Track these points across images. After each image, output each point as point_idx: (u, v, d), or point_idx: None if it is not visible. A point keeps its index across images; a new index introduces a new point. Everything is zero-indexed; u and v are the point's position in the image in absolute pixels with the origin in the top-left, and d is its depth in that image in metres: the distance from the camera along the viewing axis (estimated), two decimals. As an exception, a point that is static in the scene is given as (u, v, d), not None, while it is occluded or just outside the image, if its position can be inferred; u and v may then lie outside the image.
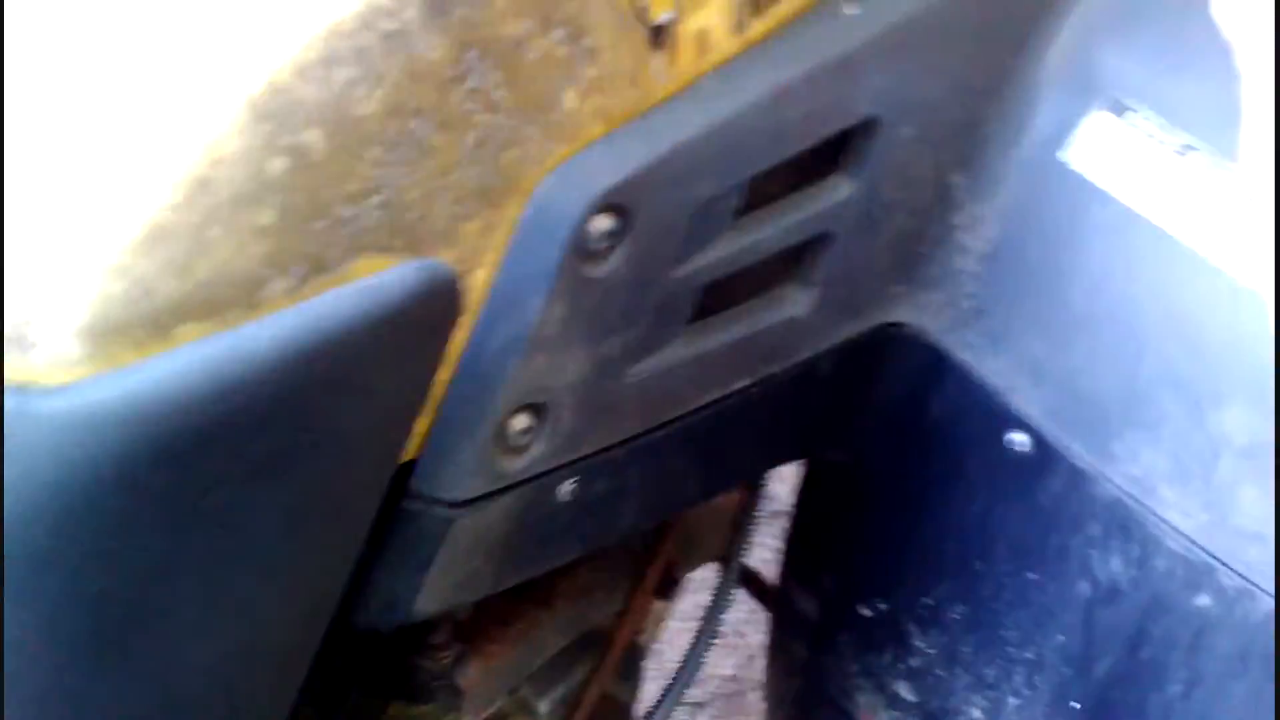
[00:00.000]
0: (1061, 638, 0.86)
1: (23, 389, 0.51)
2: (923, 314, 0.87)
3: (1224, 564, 0.77)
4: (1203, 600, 0.78)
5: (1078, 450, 0.81)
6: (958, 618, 0.93)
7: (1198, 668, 0.80)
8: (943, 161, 0.81)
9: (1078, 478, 0.81)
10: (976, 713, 0.95)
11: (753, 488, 1.02)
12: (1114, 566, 0.81)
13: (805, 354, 0.82)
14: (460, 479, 0.64)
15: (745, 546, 0.96)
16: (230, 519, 0.55)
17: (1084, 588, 0.83)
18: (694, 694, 1.91)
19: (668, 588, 1.11)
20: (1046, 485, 0.83)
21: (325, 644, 0.78)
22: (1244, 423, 0.76)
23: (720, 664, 1.98)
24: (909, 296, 0.86)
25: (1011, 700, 0.92)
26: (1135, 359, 0.79)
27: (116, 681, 0.55)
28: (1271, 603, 0.76)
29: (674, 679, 0.94)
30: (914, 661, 0.98)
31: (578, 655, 1.06)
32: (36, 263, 0.52)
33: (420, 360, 0.58)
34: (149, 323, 0.52)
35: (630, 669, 1.13)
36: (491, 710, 1.01)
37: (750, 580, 1.31)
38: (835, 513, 1.02)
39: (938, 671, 0.97)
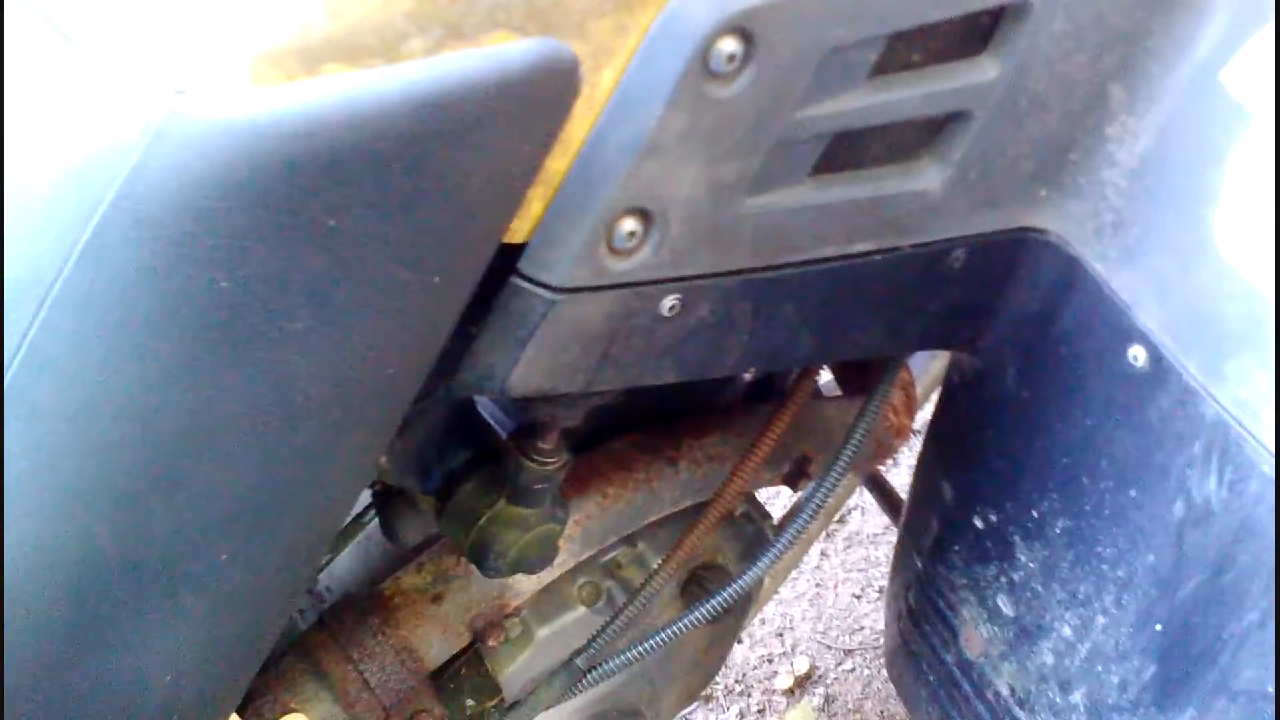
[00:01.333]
0: (1152, 557, 0.87)
1: (183, 93, 0.59)
2: (1065, 222, 0.88)
3: (1316, 492, 0.77)
4: (1289, 528, 0.78)
5: (1192, 368, 0.82)
6: (1060, 532, 0.95)
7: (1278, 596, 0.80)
8: (1101, 67, 0.82)
9: (1188, 396, 0.82)
10: (1066, 630, 0.96)
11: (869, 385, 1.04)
12: (1209, 487, 0.82)
13: (937, 236, 0.84)
14: (565, 266, 0.70)
15: (864, 432, 0.97)
16: (348, 244, 0.61)
17: (1179, 508, 0.84)
18: (844, 640, 1.94)
19: (796, 478, 1.14)
20: (1157, 402, 0.84)
21: (454, 431, 0.86)
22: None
23: (875, 617, 2.00)
24: (1053, 203, 0.88)
25: (1100, 619, 0.93)
26: (1260, 284, 0.79)
27: (232, 369, 0.62)
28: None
29: (774, 540, 0.97)
30: (1016, 575, 1.00)
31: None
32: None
33: (535, 131, 0.64)
34: (301, 56, 0.59)
35: (753, 551, 1.16)
36: (608, 556, 1.06)
37: (882, 491, 1.34)
38: (962, 422, 1.04)
39: (1036, 586, 0.98)
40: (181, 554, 0.65)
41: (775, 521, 1.23)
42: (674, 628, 0.96)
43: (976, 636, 1.06)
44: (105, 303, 0.60)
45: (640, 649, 0.95)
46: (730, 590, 0.96)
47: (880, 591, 2.02)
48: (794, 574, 2.05)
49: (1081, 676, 0.95)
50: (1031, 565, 0.97)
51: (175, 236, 0.59)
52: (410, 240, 0.63)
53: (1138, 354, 0.84)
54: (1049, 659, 0.97)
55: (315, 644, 0.94)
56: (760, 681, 1.95)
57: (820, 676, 1.95)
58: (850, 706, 1.90)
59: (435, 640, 0.96)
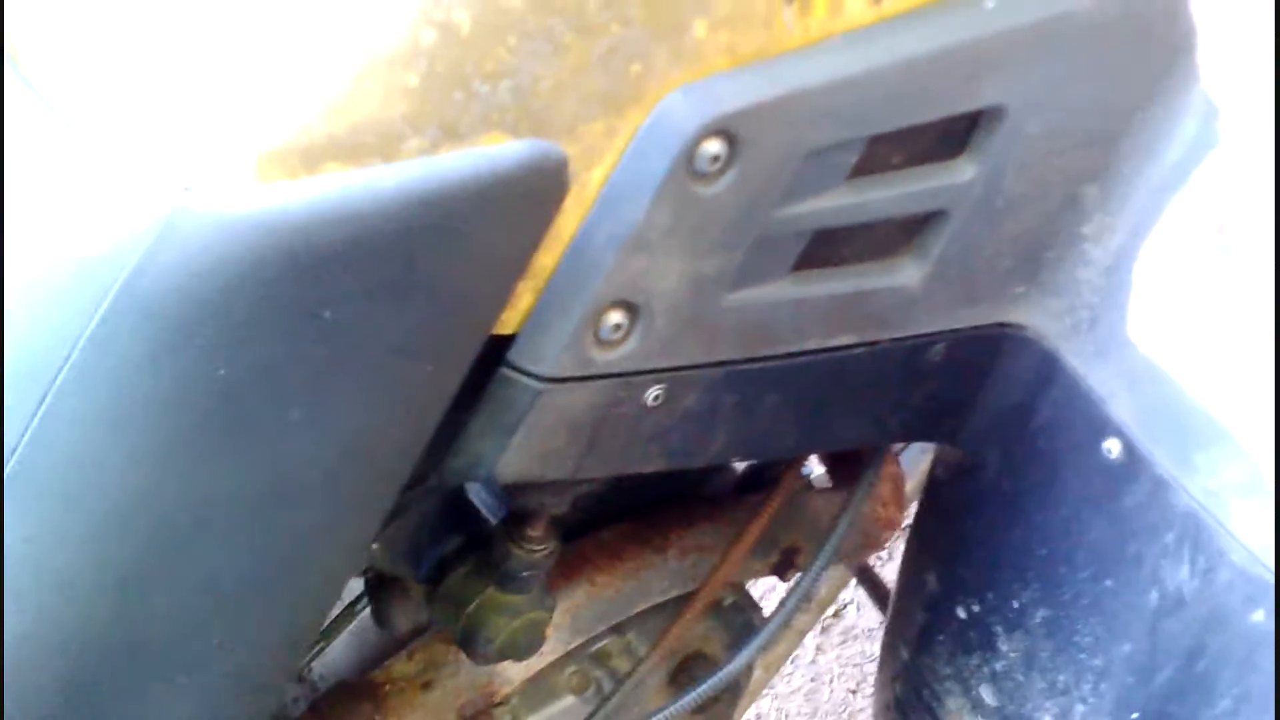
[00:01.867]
0: (1128, 646, 0.89)
1: (190, 189, 0.62)
2: (1042, 318, 0.91)
3: (1282, 582, 0.79)
4: (1257, 616, 0.80)
5: (1163, 460, 0.84)
6: (1040, 622, 0.96)
7: (1247, 684, 0.82)
8: (1076, 168, 0.85)
9: (1160, 487, 0.85)
10: (1047, 718, 0.98)
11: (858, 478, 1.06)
12: (1181, 576, 0.84)
13: (916, 330, 0.87)
14: (552, 356, 0.72)
15: (848, 523, 1.00)
16: (344, 334, 0.64)
17: (1153, 597, 0.86)
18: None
19: (784, 568, 1.16)
20: (1131, 493, 0.87)
21: (446, 519, 0.88)
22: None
23: (870, 713, 2.00)
24: (1031, 300, 0.91)
25: (1079, 707, 0.95)
26: (1227, 376, 0.82)
27: (229, 456, 0.65)
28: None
29: (761, 629, 0.99)
30: (998, 665, 1.02)
31: (698, 619, 1.12)
32: (222, 95, 0.63)
33: (525, 227, 0.67)
34: (302, 155, 0.63)
35: (738, 637, 1.17)
36: (597, 645, 1.08)
37: (873, 584, 1.36)
38: (945, 513, 1.07)
39: (1017, 675, 1.00)
40: (178, 636, 0.67)
41: (765, 614, 1.24)
42: (661, 715, 0.97)
43: (962, 727, 1.07)
44: (108, 391, 0.62)
45: (629, 736, 0.97)
46: (716, 678, 0.97)
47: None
48: (789, 668, 2.05)
49: (1064, 766, 0.96)
50: (1013, 655, 0.99)
51: (179, 327, 0.61)
52: (403, 331, 0.65)
53: (1112, 446, 0.87)
54: (1032, 749, 0.99)
55: (308, 731, 0.95)
56: (754, 777, 1.95)
57: (814, 773, 1.95)
58: (844, 801, 1.90)
59: (425, 727, 0.98)
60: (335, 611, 1.04)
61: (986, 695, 1.04)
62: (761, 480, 1.21)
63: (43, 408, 0.62)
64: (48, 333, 0.63)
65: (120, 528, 0.64)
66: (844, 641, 2.09)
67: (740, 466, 1.27)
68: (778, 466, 1.19)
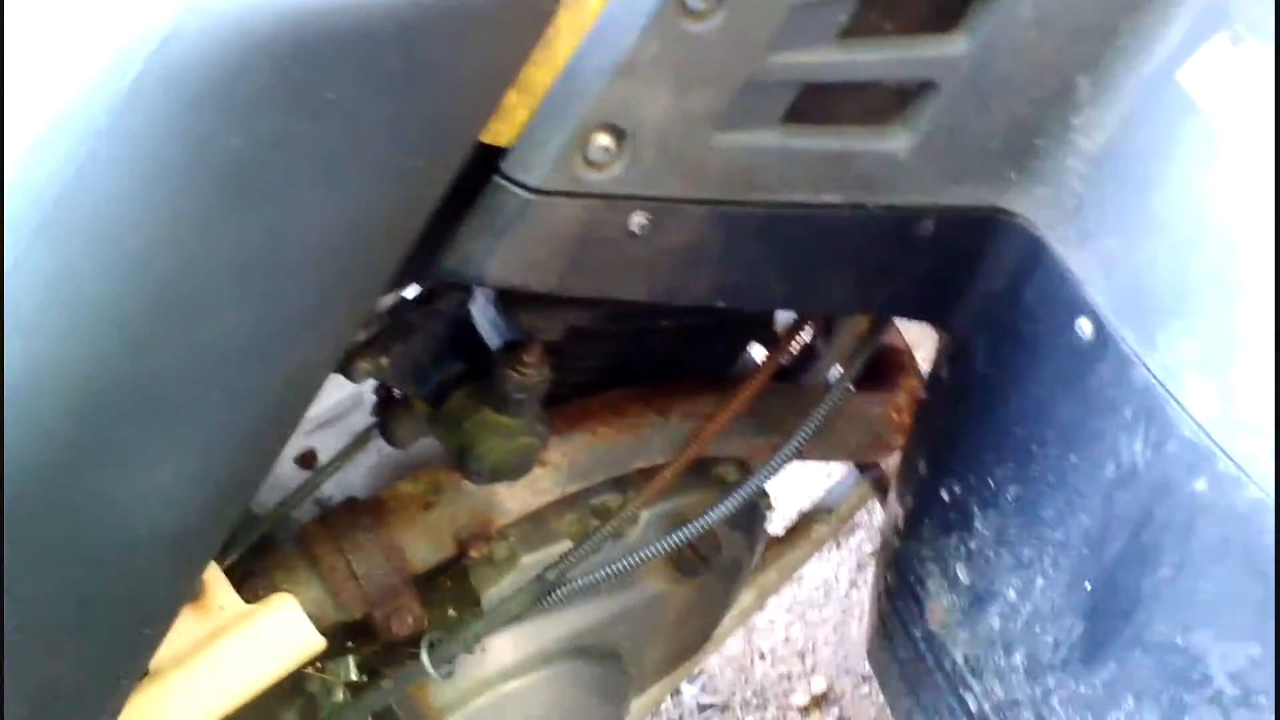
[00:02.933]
0: (1085, 519, 0.93)
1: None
2: (1031, 205, 0.95)
3: (1224, 451, 0.83)
4: (1200, 484, 0.84)
5: (1128, 338, 0.88)
6: (1011, 499, 1.01)
7: (1187, 551, 0.86)
8: (1069, 59, 0.89)
9: (1123, 364, 0.89)
10: (1011, 593, 1.02)
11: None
12: (1135, 449, 0.88)
13: (904, 200, 0.92)
14: (542, 170, 0.78)
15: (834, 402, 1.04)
16: (343, 117, 0.70)
17: (1110, 469, 0.90)
18: (863, 666, 1.98)
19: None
20: (1098, 371, 0.91)
21: (449, 343, 0.94)
22: (1261, 321, 0.81)
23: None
24: (1021, 187, 0.95)
25: (1039, 580, 0.99)
26: (1190, 257, 0.86)
27: (237, 220, 0.72)
28: (1258, 494, 0.81)
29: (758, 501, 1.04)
30: (973, 543, 1.06)
31: (690, 484, 1.18)
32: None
33: (517, 35, 0.73)
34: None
35: (745, 521, 1.23)
36: (598, 498, 1.14)
37: (881, 489, 1.40)
38: (938, 399, 1.11)
39: (989, 553, 1.04)
40: (180, 385, 0.74)
41: (770, 501, 1.30)
42: (643, 551, 1.03)
43: (939, 608, 1.11)
44: (136, 149, 0.69)
45: (605, 570, 1.02)
46: (688, 528, 1.02)
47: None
48: (821, 598, 2.10)
49: (1021, 638, 1.00)
50: (986, 533, 1.03)
51: (199, 95, 0.68)
52: (398, 120, 0.72)
53: (1084, 326, 0.91)
54: (995, 623, 1.03)
55: (312, 535, 1.02)
56: (777, 697, 2.00)
57: (836, 698, 1.99)
58: (862, 729, 1.94)
59: (421, 544, 1.04)
60: (350, 439, 1.11)
61: (961, 574, 1.08)
62: (782, 376, 1.26)
63: (82, 159, 0.69)
64: (86, 95, 0.70)
65: (139, 274, 0.71)
66: (878, 578, 2.13)
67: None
68: (803, 367, 1.24)
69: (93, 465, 0.74)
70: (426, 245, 0.78)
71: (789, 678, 2.02)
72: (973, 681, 1.09)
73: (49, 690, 0.80)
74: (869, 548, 2.18)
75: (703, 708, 1.99)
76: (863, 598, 2.12)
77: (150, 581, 0.81)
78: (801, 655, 2.05)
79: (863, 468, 1.50)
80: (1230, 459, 0.82)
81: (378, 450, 1.15)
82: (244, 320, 0.74)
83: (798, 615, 2.08)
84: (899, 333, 1.45)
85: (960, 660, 1.10)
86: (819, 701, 1.99)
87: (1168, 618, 0.88)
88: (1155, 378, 0.86)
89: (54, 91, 0.72)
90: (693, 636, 1.29)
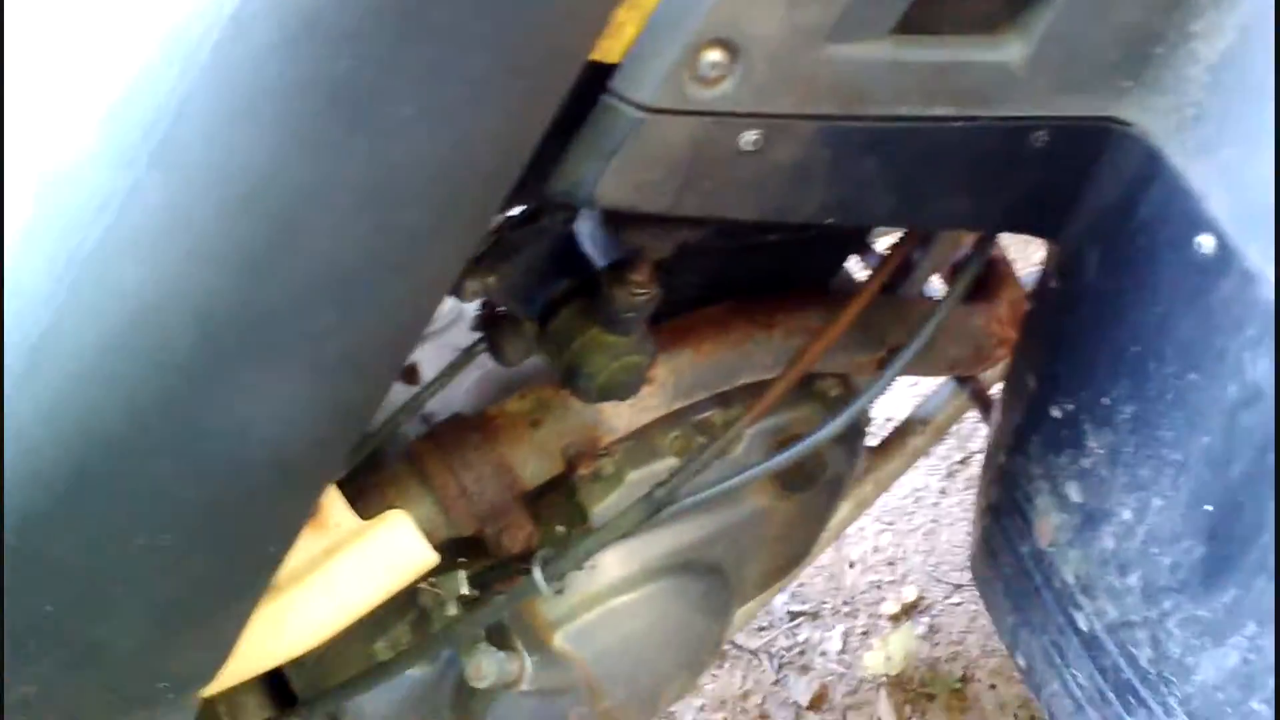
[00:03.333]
0: (1207, 439, 0.91)
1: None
2: (1148, 115, 0.93)
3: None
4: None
5: (1252, 254, 0.86)
6: (1126, 418, 0.99)
7: (1316, 473, 0.84)
8: (1191, -40, 0.86)
9: (1247, 281, 0.86)
10: (1126, 514, 1.01)
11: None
12: (1261, 369, 0.86)
13: (1017, 111, 0.89)
14: (652, 87, 0.77)
15: (944, 315, 1.03)
16: (453, 37, 0.69)
17: (1233, 390, 0.88)
18: (954, 575, 1.98)
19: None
20: (1220, 287, 0.89)
21: (556, 261, 0.94)
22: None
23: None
24: (1137, 96, 0.92)
25: (1156, 501, 0.98)
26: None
27: (349, 144, 0.71)
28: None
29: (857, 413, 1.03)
30: (1085, 462, 1.05)
31: (793, 399, 1.17)
32: None
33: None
34: None
35: (847, 435, 1.22)
36: (702, 414, 1.14)
37: (987, 407, 1.39)
38: (1047, 314, 1.09)
39: (1102, 472, 1.03)
40: (297, 310, 0.74)
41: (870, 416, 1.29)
42: (749, 471, 1.02)
43: (1048, 526, 1.10)
44: (246, 74, 0.69)
45: (717, 488, 1.02)
46: (800, 446, 1.01)
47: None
48: (912, 507, 2.10)
49: (1138, 560, 0.99)
50: (1100, 452, 1.01)
51: (307, 16, 0.68)
52: (507, 40, 0.71)
53: (1205, 241, 0.88)
54: (1109, 543, 1.02)
55: (422, 451, 1.03)
56: (867, 605, 2.00)
57: (927, 607, 1.99)
58: (953, 638, 1.95)
59: (530, 461, 1.05)
60: (452, 354, 1.12)
61: (1072, 492, 1.07)
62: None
63: (188, 86, 0.69)
64: (188, 23, 0.69)
65: (252, 201, 0.70)
66: (969, 488, 2.12)
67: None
68: (897, 279, 1.23)
69: (216, 390, 0.75)
70: (535, 166, 0.77)
71: (879, 586, 2.03)
72: (1084, 600, 1.08)
73: (176, 608, 0.82)
74: (958, 456, 2.16)
75: (793, 615, 2.00)
76: (952, 506, 2.11)
77: (273, 502, 0.82)
78: (891, 563, 2.06)
79: (961, 379, 1.49)
80: (1363, 379, 0.80)
81: (479, 365, 1.15)
82: (359, 244, 0.74)
83: (887, 524, 2.08)
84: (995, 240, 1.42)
85: (1070, 579, 1.09)
86: (909, 610, 2.00)
87: (1296, 543, 0.86)
88: (1281, 295, 0.84)
89: (153, 21, 0.72)
90: (794, 551, 1.29)
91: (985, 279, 1.32)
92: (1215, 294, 0.89)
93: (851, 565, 2.02)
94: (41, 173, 0.71)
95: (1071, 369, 1.05)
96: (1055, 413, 1.08)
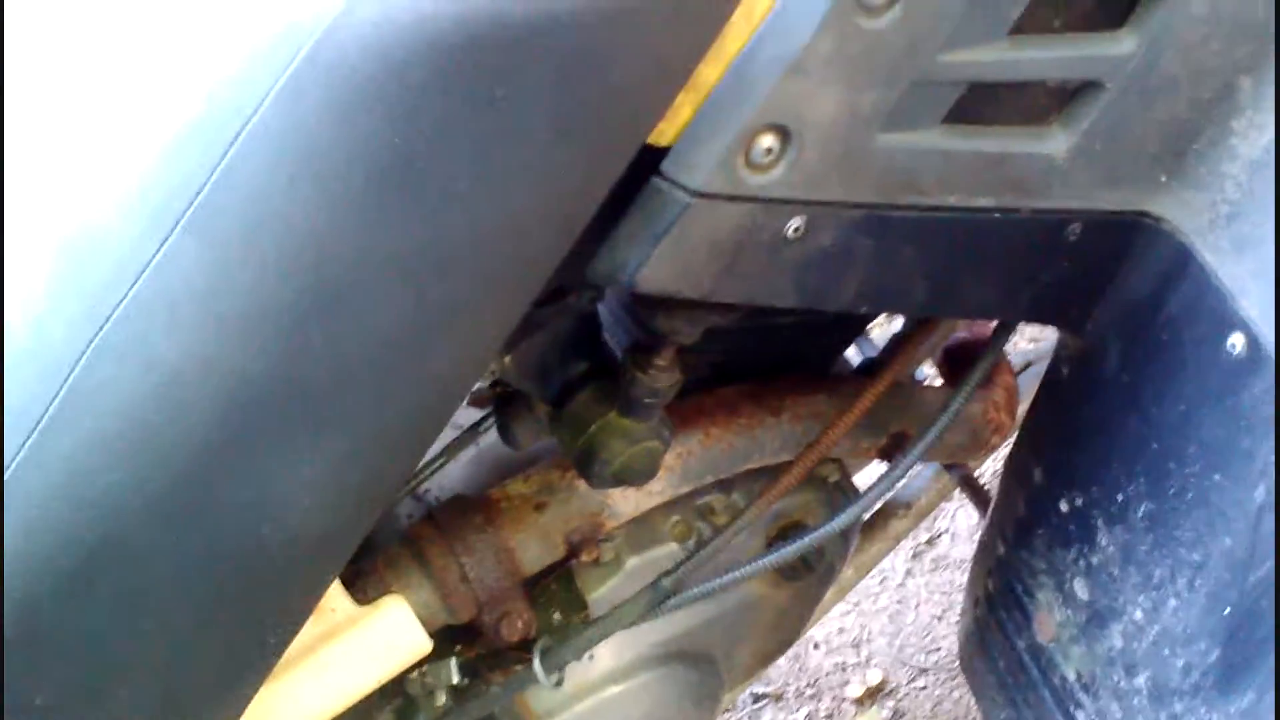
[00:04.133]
0: (1229, 541, 0.90)
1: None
2: (1181, 211, 0.92)
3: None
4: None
5: (1287, 355, 0.85)
6: (1142, 516, 0.98)
7: (1341, 582, 0.83)
8: (1234, 58, 0.86)
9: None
10: (1138, 613, 0.99)
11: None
12: (1292, 473, 0.85)
13: (1056, 204, 0.88)
14: (704, 172, 0.75)
15: (956, 410, 1.01)
16: (513, 114, 0.67)
17: (1260, 493, 0.87)
18: (919, 658, 1.96)
19: (892, 452, 1.18)
20: (1251, 388, 0.88)
21: (575, 343, 0.91)
22: None
23: (953, 640, 2.01)
24: (1172, 191, 0.91)
25: (1172, 602, 0.96)
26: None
27: (398, 217, 0.68)
28: None
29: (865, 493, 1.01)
30: (1095, 558, 1.03)
31: (796, 488, 1.14)
32: None
33: (692, 33, 0.69)
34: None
35: (837, 504, 1.19)
36: (703, 499, 1.11)
37: (975, 490, 1.37)
38: (1060, 405, 1.08)
39: (1113, 569, 1.01)
40: (328, 388, 0.71)
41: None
42: (754, 564, 1.00)
43: (1049, 620, 1.08)
44: (295, 141, 0.66)
45: (722, 580, 1.00)
46: (805, 540, 0.99)
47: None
48: (877, 588, 2.08)
49: (1148, 660, 0.97)
50: (1111, 549, 1.00)
51: (364, 89, 0.65)
52: (567, 119, 0.69)
53: (1236, 341, 0.87)
54: (1118, 642, 1.00)
55: (422, 535, 0.99)
56: (832, 688, 1.98)
57: (892, 690, 1.97)
58: (917, 723, 1.92)
59: (533, 546, 1.01)
60: (455, 434, 1.08)
61: (1079, 589, 1.05)
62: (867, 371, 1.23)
63: (233, 151, 0.65)
64: (243, 84, 0.66)
65: (292, 271, 0.67)
66: (935, 569, 2.11)
67: (859, 358, 1.29)
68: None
69: (238, 468, 0.71)
70: (579, 251, 0.75)
71: (843, 668, 2.00)
72: (1085, 700, 1.06)
73: (175, 698, 0.78)
74: (924, 537, 2.15)
75: (757, 698, 1.97)
76: (918, 588, 2.09)
77: (284, 587, 0.78)
78: (856, 646, 2.03)
79: (948, 465, 1.47)
80: (1400, 489, 0.79)
81: (474, 445, 1.12)
82: (398, 321, 0.71)
83: (852, 605, 2.06)
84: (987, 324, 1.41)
85: (1072, 677, 1.07)
86: (874, 693, 1.97)
87: (1318, 651, 0.85)
88: (1318, 399, 0.83)
89: (202, 79, 0.69)
90: (784, 637, 1.26)
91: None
92: (1245, 394, 0.88)
93: (816, 646, 1.99)
94: (66, 228, 0.67)
95: (1084, 463, 1.03)
96: (1063, 506, 1.06)
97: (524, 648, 1.01)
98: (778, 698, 1.96)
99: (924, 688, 1.98)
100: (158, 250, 0.66)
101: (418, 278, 0.69)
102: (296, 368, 0.69)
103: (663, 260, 0.77)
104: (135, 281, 0.66)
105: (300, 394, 0.70)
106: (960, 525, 2.13)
